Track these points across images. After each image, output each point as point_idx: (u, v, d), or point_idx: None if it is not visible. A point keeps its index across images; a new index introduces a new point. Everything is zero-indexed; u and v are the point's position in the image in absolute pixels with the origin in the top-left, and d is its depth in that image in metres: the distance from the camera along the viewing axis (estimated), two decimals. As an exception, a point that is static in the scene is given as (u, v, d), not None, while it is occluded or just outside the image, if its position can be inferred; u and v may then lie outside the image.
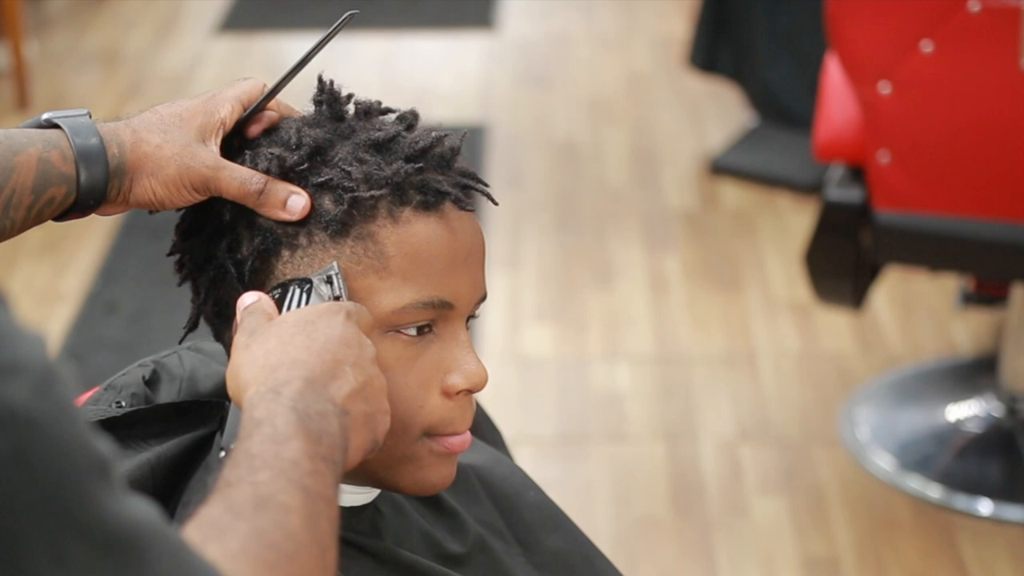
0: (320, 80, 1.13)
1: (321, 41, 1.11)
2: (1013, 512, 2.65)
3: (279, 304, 1.04)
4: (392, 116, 1.13)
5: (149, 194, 1.09)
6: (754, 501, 2.70)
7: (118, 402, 1.12)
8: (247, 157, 1.10)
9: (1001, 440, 2.81)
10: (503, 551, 1.22)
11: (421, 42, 4.63)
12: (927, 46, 2.25)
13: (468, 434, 1.10)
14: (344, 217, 1.06)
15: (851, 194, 2.48)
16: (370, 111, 1.12)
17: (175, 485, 1.09)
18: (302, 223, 1.07)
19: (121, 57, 4.58)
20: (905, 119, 2.33)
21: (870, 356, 3.07)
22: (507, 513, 1.25)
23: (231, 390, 0.99)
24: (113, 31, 4.74)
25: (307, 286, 1.04)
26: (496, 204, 1.15)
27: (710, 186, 3.75)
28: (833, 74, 2.58)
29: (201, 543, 0.82)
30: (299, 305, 1.04)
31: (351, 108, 1.12)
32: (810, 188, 3.61)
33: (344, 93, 1.12)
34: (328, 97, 1.12)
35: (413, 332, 1.07)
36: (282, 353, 0.97)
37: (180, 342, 1.19)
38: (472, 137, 3.79)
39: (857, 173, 2.48)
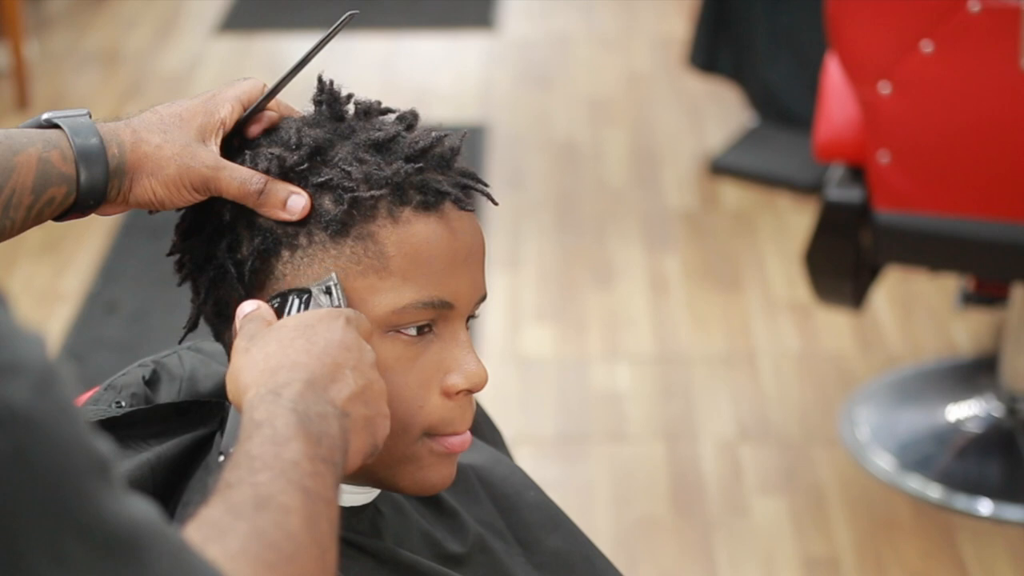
0: (320, 80, 1.13)
1: (321, 41, 1.11)
2: (1013, 512, 2.65)
3: (278, 313, 1.05)
4: (392, 116, 1.13)
5: (149, 194, 1.09)
6: (754, 501, 2.70)
7: (118, 402, 1.12)
8: (247, 157, 1.10)
9: (1001, 440, 2.81)
10: (503, 551, 1.22)
11: (421, 42, 4.63)
12: (927, 46, 2.25)
13: (468, 434, 1.10)
14: (344, 217, 1.06)
15: (851, 194, 2.48)
16: (370, 111, 1.12)
17: (175, 485, 1.09)
18: (302, 223, 1.07)
19: (121, 57, 4.58)
20: (905, 119, 2.33)
21: (870, 356, 3.07)
22: (507, 513, 1.25)
23: (231, 393, 0.99)
24: (113, 31, 4.74)
25: (306, 296, 1.04)
26: (496, 204, 1.15)
27: (710, 186, 3.75)
28: (833, 74, 2.58)
29: (201, 543, 0.82)
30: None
31: (351, 108, 1.12)
32: (810, 188, 3.61)
33: (344, 93, 1.12)
34: (328, 97, 1.12)
35: (413, 332, 1.07)
36: (282, 356, 0.97)
37: (180, 342, 1.19)
38: (472, 137, 3.79)
39: (857, 173, 2.48)
